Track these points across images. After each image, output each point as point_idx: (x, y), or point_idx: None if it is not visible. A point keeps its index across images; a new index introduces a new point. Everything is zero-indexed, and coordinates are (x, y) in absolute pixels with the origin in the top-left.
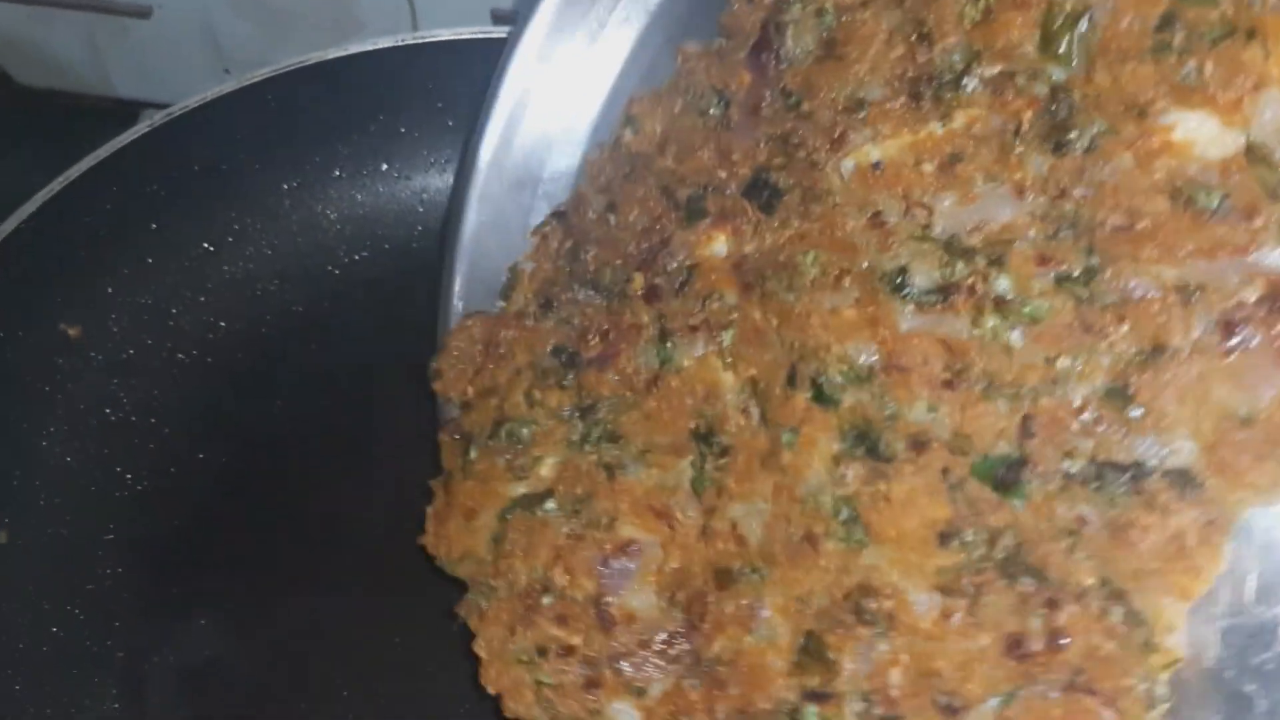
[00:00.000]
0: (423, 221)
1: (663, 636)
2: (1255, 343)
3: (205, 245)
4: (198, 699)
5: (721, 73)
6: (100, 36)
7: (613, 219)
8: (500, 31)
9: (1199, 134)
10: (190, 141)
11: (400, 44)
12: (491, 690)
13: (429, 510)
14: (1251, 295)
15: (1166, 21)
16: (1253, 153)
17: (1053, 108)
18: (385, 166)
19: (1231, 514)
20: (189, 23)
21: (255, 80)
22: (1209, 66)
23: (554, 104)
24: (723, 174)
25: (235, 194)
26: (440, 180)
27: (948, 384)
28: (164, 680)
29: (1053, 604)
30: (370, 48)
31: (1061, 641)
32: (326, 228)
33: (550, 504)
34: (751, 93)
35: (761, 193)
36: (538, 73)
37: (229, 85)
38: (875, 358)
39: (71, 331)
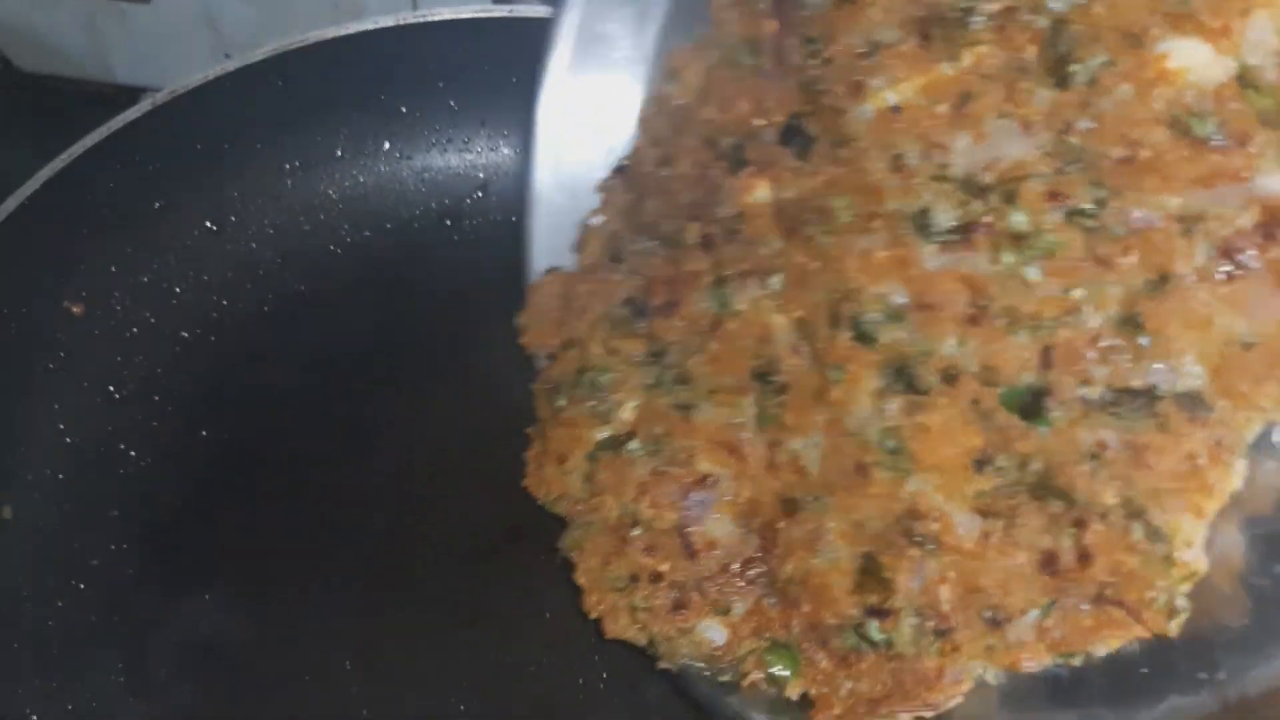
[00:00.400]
0: (424, 201)
1: (741, 560)
2: (1253, 268)
3: (208, 224)
4: (201, 672)
5: (750, 22)
6: (100, 21)
7: (666, 171)
8: (500, 10)
9: (1192, 61)
10: (192, 121)
11: (401, 23)
12: (592, 615)
13: (528, 454)
14: (1248, 221)
15: None
16: (1244, 78)
17: (1054, 41)
18: (387, 146)
19: (1240, 434)
20: (189, 7)
21: (256, 60)
22: None
23: (607, 60)
24: (760, 122)
25: (237, 173)
26: (441, 160)
27: (972, 320)
28: (167, 653)
29: (1080, 523)
30: (371, 27)
31: (1089, 557)
32: (329, 207)
33: (633, 444)
34: (778, 40)
35: (795, 139)
36: (588, 32)
37: (231, 64)
38: (906, 297)
39: (75, 309)
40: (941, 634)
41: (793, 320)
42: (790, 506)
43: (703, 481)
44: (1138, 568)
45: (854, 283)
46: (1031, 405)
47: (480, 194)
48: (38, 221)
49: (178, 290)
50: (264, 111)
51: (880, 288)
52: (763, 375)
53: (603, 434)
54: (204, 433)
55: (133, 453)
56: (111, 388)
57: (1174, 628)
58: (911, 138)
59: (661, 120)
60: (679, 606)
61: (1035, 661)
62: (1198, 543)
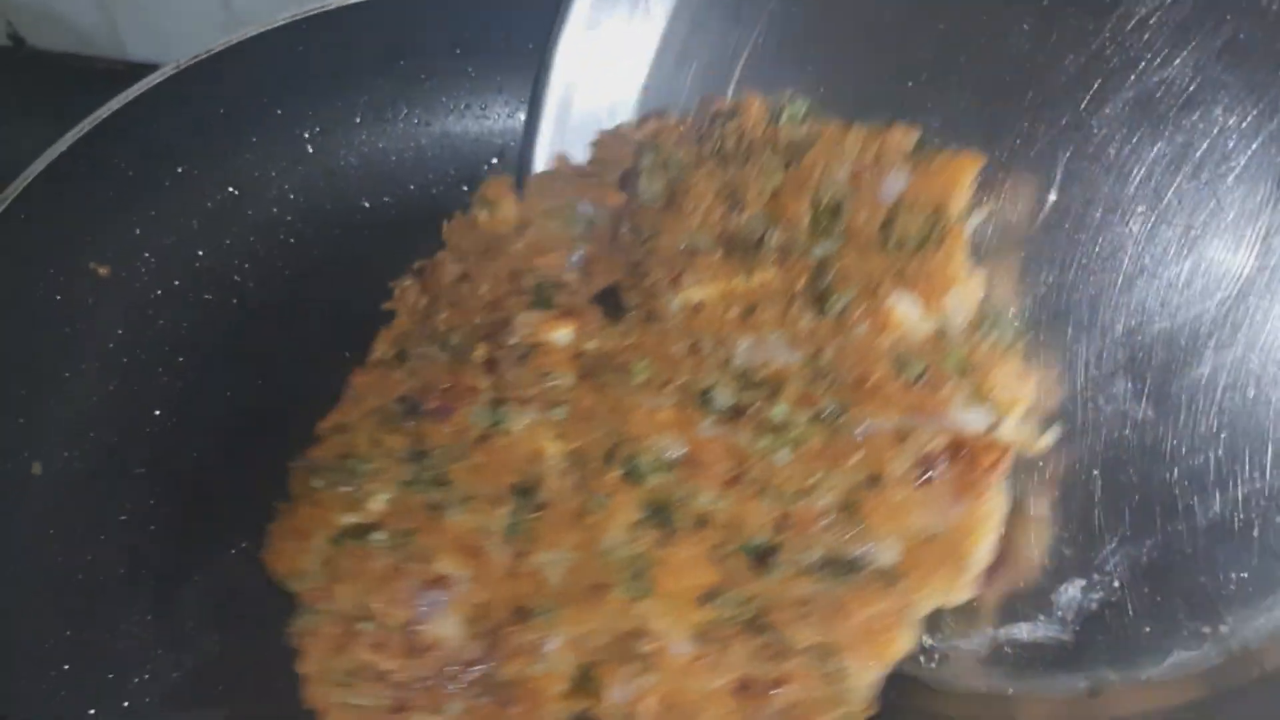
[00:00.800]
0: (443, 166)
1: (462, 662)
2: (939, 481)
3: (230, 189)
4: (227, 624)
5: (592, 190)
6: None
7: (465, 288)
8: None
9: (910, 315)
10: (211, 87)
11: None
12: (310, 708)
13: (271, 527)
14: (939, 445)
15: (888, 225)
16: (942, 335)
17: (819, 276)
18: (405, 112)
19: (919, 606)
20: None
21: (274, 26)
22: (914, 263)
23: (603, 74)
24: (572, 277)
25: (257, 139)
26: (459, 125)
27: (731, 481)
28: (194, 605)
29: (780, 655)
30: None
31: (781, 687)
32: (348, 172)
33: (378, 535)
34: (615, 217)
35: (610, 303)
36: (587, 42)
37: (250, 30)
38: (680, 452)
39: (101, 270)
40: None
41: (568, 449)
42: (522, 614)
43: (439, 581)
44: (824, 695)
45: (637, 431)
46: (762, 557)
47: (497, 160)
48: (63, 186)
49: (201, 253)
50: (283, 78)
51: (659, 440)
52: (524, 491)
53: (350, 519)
54: (229, 392)
55: (157, 411)
56: (138, 349)
57: None
58: (709, 332)
59: (470, 238)
60: (397, 708)
61: None
62: (873, 683)
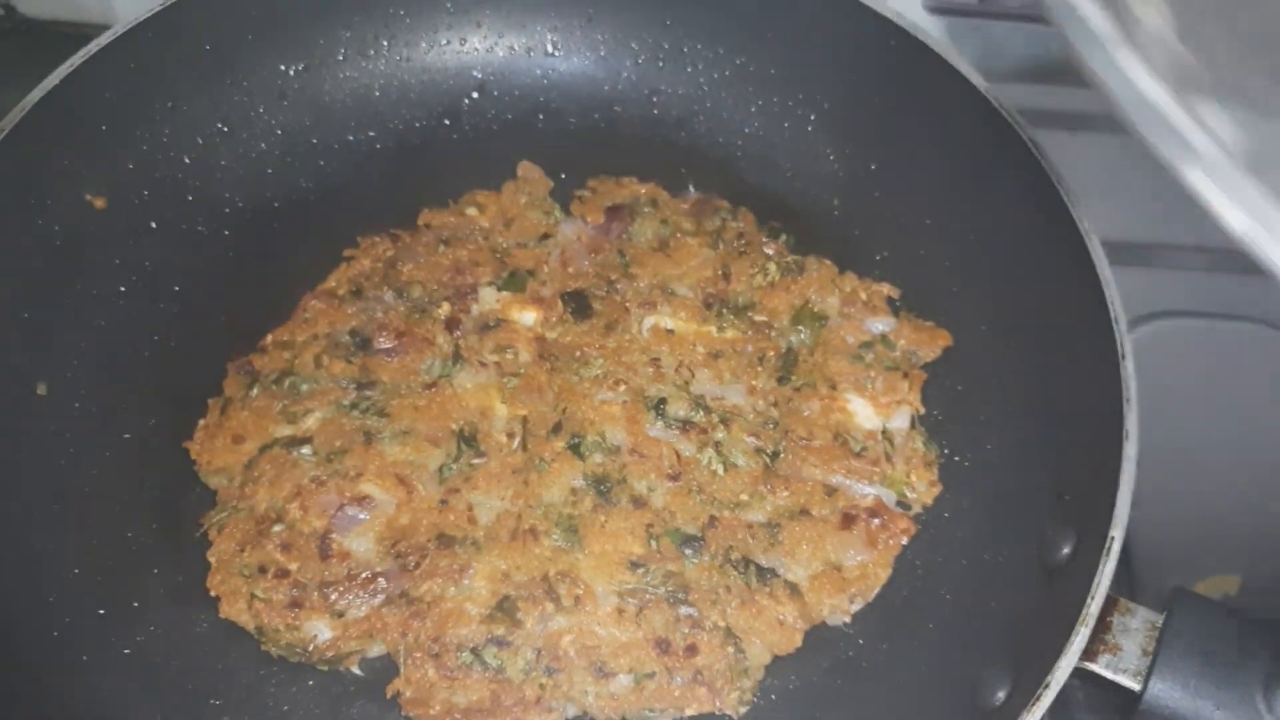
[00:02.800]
0: (425, 102)
1: (370, 573)
2: (856, 530)
3: (219, 125)
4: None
5: (582, 208)
6: None
7: (441, 249)
8: None
9: (859, 411)
10: (197, 24)
11: None
12: (212, 593)
13: (200, 422)
14: (864, 503)
15: (866, 345)
16: (885, 433)
17: (786, 356)
18: (387, 48)
19: (814, 616)
20: None
21: None
22: (879, 380)
23: None
24: (547, 268)
25: (244, 76)
26: (440, 61)
27: (671, 477)
28: (196, 514)
29: (694, 627)
30: None
31: (692, 654)
32: (333, 108)
33: (307, 449)
34: (596, 234)
35: (576, 304)
36: None
37: None
38: (624, 442)
39: (97, 202)
40: (551, 672)
41: (515, 414)
42: (445, 542)
43: (362, 500)
44: (725, 670)
45: (585, 416)
46: (688, 545)
47: (477, 95)
48: (56, 119)
49: (196, 185)
50: (267, 15)
51: (606, 428)
52: (467, 438)
53: (283, 431)
54: (224, 317)
55: (156, 336)
56: (134, 276)
57: (739, 712)
58: (672, 354)
59: (454, 223)
60: (294, 604)
61: (619, 713)
62: (764, 666)
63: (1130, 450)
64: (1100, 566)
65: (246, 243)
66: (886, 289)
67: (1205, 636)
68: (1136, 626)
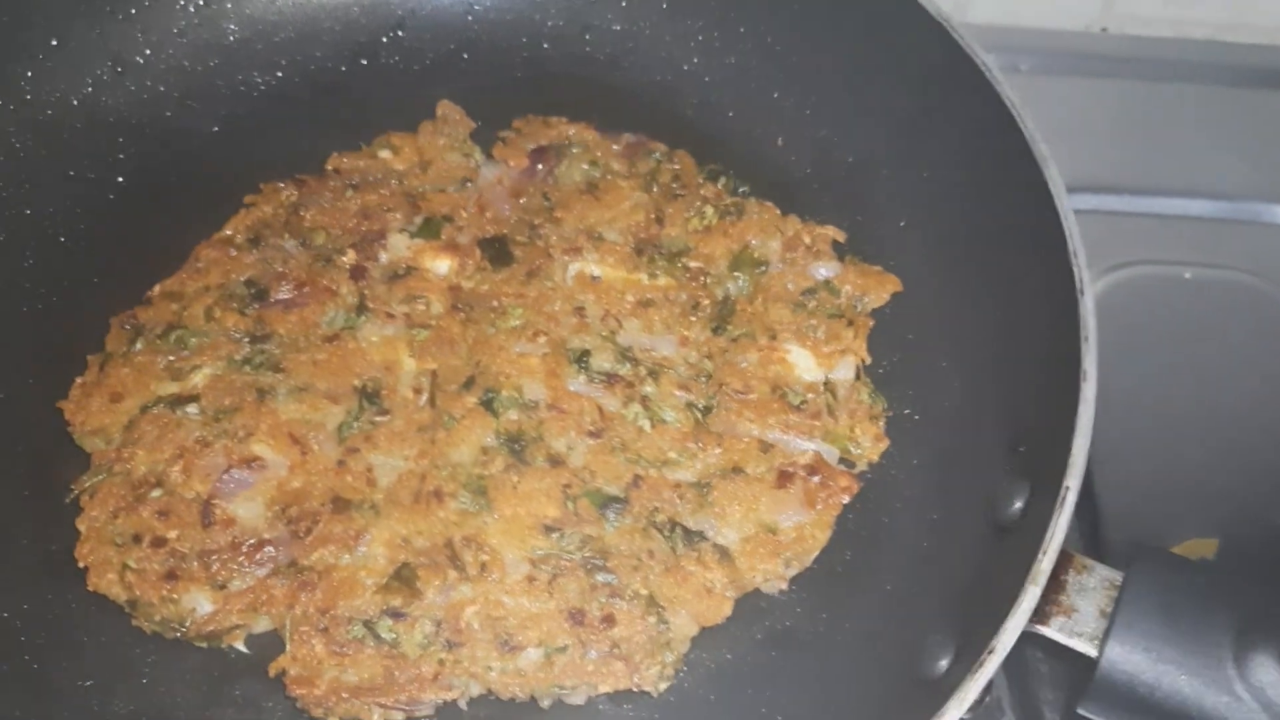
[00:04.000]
0: (338, 39)
1: (256, 541)
2: (793, 489)
3: (109, 63)
4: None
5: (505, 150)
6: None
7: (349, 195)
8: None
9: (800, 362)
10: None
11: None
12: (80, 564)
13: (77, 380)
14: (802, 460)
15: (809, 292)
16: (828, 385)
17: (723, 305)
18: None
19: (746, 583)
20: None
21: None
22: (822, 329)
23: None
24: (465, 214)
25: (135, 8)
26: None
27: (593, 434)
28: (70, 481)
29: (613, 595)
30: None
31: (610, 625)
32: (237, 45)
33: (192, 408)
34: (520, 177)
35: (495, 250)
36: None
37: None
38: (542, 397)
39: None
40: (451, 645)
41: (423, 368)
42: (341, 505)
43: (250, 462)
44: (645, 642)
45: (500, 370)
46: (609, 506)
47: (398, 32)
48: None
49: (82, 130)
50: None
51: (523, 381)
52: (369, 395)
53: (168, 389)
54: (109, 270)
55: (35, 290)
56: (14, 227)
57: (660, 689)
58: (598, 303)
59: (362, 165)
60: (171, 576)
61: (526, 690)
62: (688, 639)
63: (1088, 392)
64: (1053, 518)
65: (139, 190)
66: (831, 232)
67: (1169, 595)
68: (1094, 585)
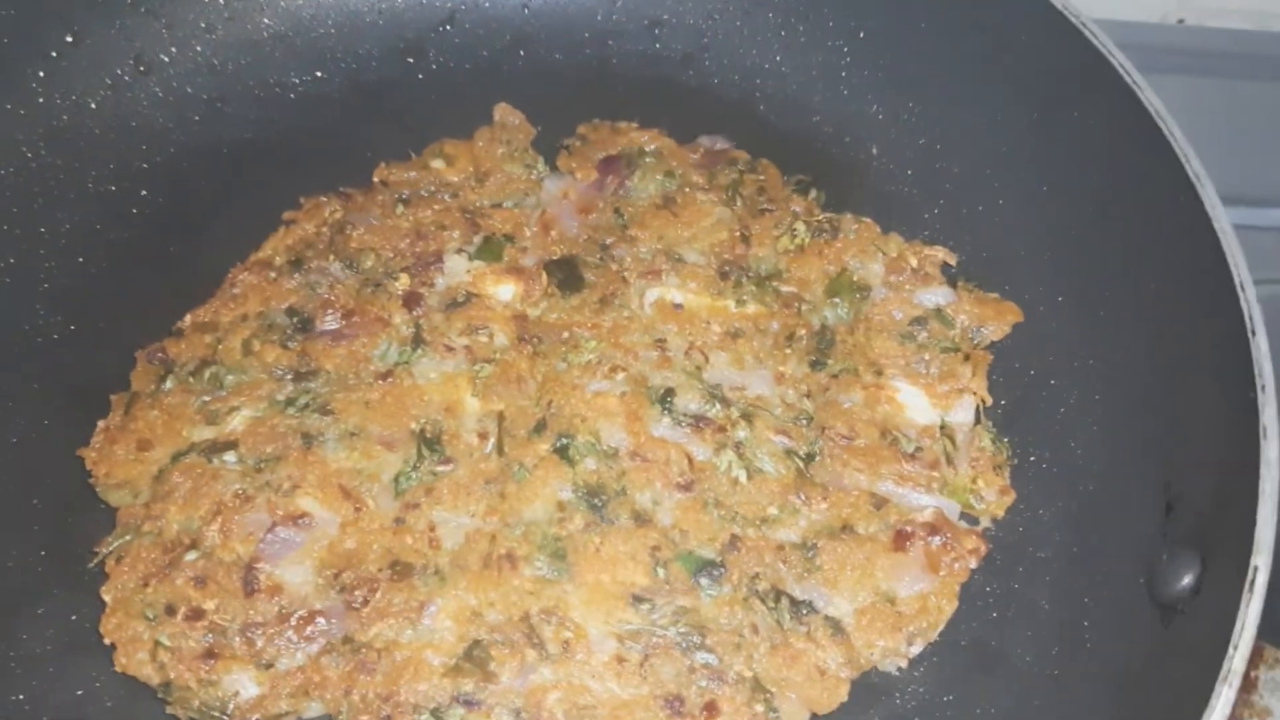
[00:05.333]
0: (382, 35)
1: (307, 611)
2: (912, 552)
3: (132, 62)
4: None
5: (570, 161)
6: None
7: (400, 210)
8: None
9: (912, 403)
10: None
11: None
12: (107, 640)
13: (100, 423)
14: (921, 518)
15: (918, 322)
16: (944, 429)
17: (821, 337)
18: None
19: (862, 661)
20: None
21: None
22: (935, 364)
23: None
24: (529, 232)
25: (162, 3)
26: None
27: (682, 487)
28: (94, 542)
29: (714, 681)
30: None
31: (715, 711)
32: (270, 43)
33: (231, 456)
34: (588, 190)
35: (564, 274)
36: None
37: None
38: (623, 443)
39: None
40: None
41: (488, 409)
42: (403, 571)
43: (298, 519)
44: None
45: (575, 411)
46: (704, 573)
47: (447, 27)
48: None
49: (102, 137)
50: None
51: (600, 425)
52: (429, 441)
53: (203, 435)
54: (134, 297)
55: (52, 320)
56: (27, 247)
57: None
58: (681, 334)
59: (412, 177)
60: (210, 654)
61: None
62: None
63: (1272, 453)
64: (1242, 605)
65: (166, 206)
66: (941, 254)
67: None
68: None
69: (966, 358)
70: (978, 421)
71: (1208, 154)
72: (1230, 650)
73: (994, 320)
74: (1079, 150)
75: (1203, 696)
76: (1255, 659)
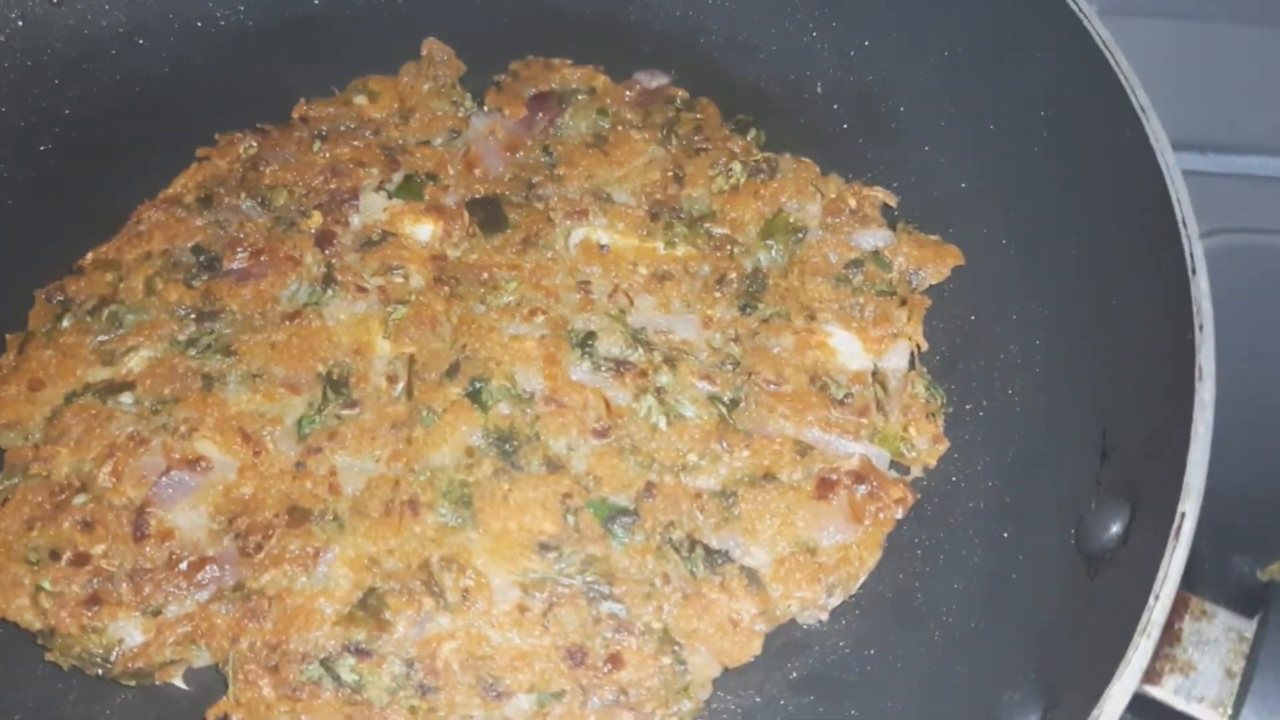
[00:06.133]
0: None
1: (196, 558)
2: (836, 501)
3: None
4: None
5: (507, 98)
6: None
7: (317, 146)
8: None
9: (844, 348)
10: None
11: None
12: None
13: None
14: (847, 466)
15: (854, 264)
16: (876, 375)
17: (753, 280)
18: None
19: (779, 614)
20: None
21: None
22: (869, 308)
23: None
24: (452, 171)
25: None
26: None
27: (598, 433)
28: None
29: (620, 630)
30: None
31: (615, 666)
32: None
33: (126, 398)
34: (516, 129)
35: (485, 213)
36: None
37: None
38: (539, 387)
39: None
40: (426, 690)
41: (399, 352)
42: (299, 517)
43: (194, 463)
44: (658, 688)
45: (490, 354)
46: (615, 521)
47: None
48: None
49: (13, 71)
50: None
51: (516, 368)
52: (335, 383)
53: (98, 375)
54: (37, 234)
55: None
56: None
57: None
58: (606, 276)
59: (332, 112)
60: (94, 600)
61: None
62: (709, 682)
63: (1206, 394)
64: (1166, 554)
65: (76, 141)
66: (881, 194)
67: None
68: (1216, 637)
69: (903, 302)
70: (912, 367)
71: (1162, 98)
72: (1151, 601)
73: (933, 262)
74: (1021, 88)
75: (1121, 648)
76: (1181, 610)
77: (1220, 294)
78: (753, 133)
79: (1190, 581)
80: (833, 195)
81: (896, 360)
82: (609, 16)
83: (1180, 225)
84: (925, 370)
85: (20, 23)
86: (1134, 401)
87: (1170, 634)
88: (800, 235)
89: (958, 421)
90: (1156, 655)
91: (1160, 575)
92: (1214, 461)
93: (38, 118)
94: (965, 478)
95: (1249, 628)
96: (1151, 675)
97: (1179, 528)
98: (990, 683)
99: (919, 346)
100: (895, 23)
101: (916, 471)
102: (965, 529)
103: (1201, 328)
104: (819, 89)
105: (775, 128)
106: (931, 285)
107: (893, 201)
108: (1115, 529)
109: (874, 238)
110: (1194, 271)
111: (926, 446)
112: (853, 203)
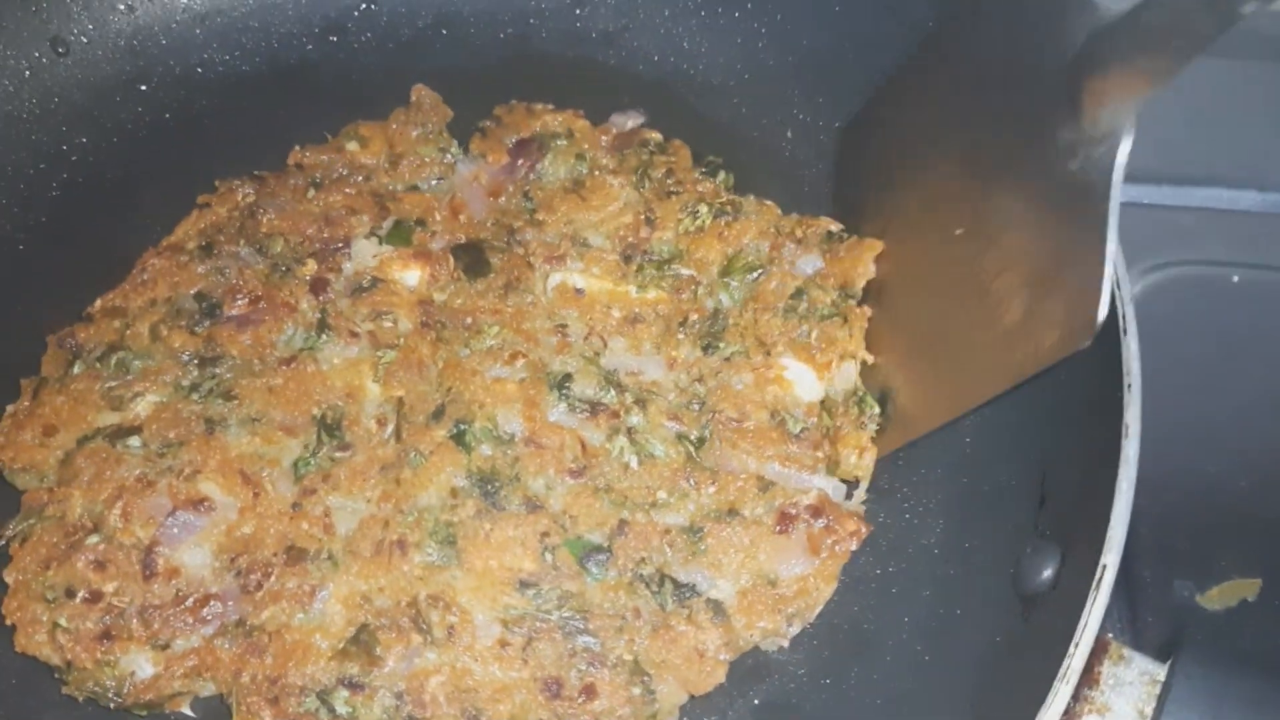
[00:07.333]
0: (304, 14)
1: (201, 595)
2: (795, 534)
3: (49, 44)
4: None
5: (484, 144)
6: None
7: (311, 194)
8: None
9: (799, 379)
10: None
11: None
12: (8, 621)
13: (8, 408)
14: (805, 500)
15: (799, 293)
16: (825, 403)
17: (713, 321)
18: None
19: (742, 643)
20: None
21: None
22: (815, 332)
23: None
24: (439, 218)
25: None
26: None
27: (574, 473)
28: None
29: (593, 663)
30: None
31: (589, 697)
32: (190, 22)
33: (134, 441)
34: (499, 174)
35: (469, 259)
36: None
37: None
38: (519, 429)
39: None
40: None
41: (389, 395)
42: (296, 555)
43: (198, 504)
44: (629, 716)
45: (474, 396)
46: (590, 558)
47: (371, 5)
48: None
49: (21, 118)
50: None
51: (498, 411)
52: (329, 426)
53: (108, 420)
54: (46, 281)
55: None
56: None
57: None
58: (581, 319)
59: (326, 159)
60: (107, 636)
61: None
62: (675, 710)
63: (1130, 450)
64: (1087, 603)
65: (82, 189)
66: (825, 223)
67: (1219, 699)
68: (1131, 680)
69: (845, 320)
70: (854, 390)
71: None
72: (1071, 648)
73: (859, 265)
74: None
75: (1044, 690)
76: (1100, 654)
77: (1173, 326)
78: (722, 175)
79: (1131, 604)
80: (787, 230)
81: (845, 380)
82: (590, 61)
83: (1114, 288)
84: (861, 383)
85: (28, 72)
86: (1068, 451)
87: (1090, 677)
88: (758, 273)
89: (911, 461)
90: (1076, 697)
91: (1081, 624)
92: (1157, 486)
93: (46, 164)
94: (918, 514)
95: (1161, 671)
96: (1071, 716)
97: (1099, 579)
98: (929, 712)
99: (864, 359)
100: (862, 71)
101: (861, 497)
102: (918, 564)
103: (1130, 387)
104: (789, 134)
105: (747, 172)
106: (868, 292)
107: (836, 228)
108: (1047, 573)
109: (810, 263)
110: (1125, 332)
111: (856, 459)
112: (800, 234)
